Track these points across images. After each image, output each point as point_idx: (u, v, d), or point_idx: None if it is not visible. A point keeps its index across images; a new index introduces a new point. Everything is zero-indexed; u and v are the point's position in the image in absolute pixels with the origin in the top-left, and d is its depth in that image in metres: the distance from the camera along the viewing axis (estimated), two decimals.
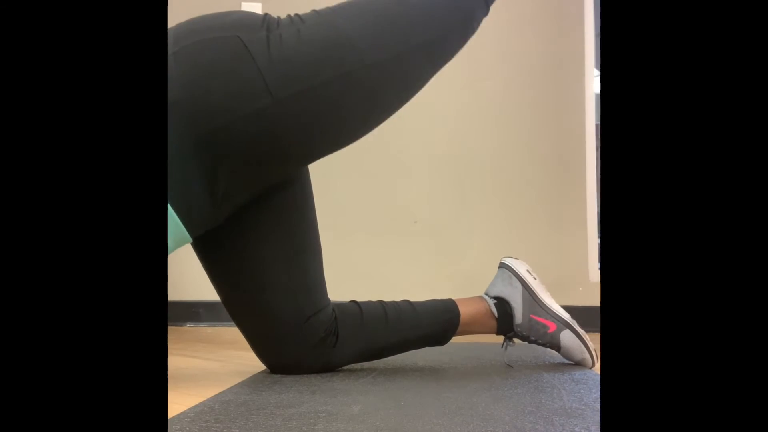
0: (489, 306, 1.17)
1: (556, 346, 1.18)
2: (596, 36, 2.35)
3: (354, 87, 0.94)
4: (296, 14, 0.97)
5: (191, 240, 0.96)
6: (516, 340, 1.21)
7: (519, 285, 1.18)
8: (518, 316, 1.16)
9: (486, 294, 1.20)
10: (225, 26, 0.93)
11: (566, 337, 1.17)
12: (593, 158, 2.27)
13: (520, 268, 1.20)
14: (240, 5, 2.26)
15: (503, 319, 1.16)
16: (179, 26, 0.95)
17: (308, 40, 0.93)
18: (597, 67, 2.42)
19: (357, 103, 0.96)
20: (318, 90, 0.92)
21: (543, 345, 1.18)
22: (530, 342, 1.17)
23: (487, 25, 2.59)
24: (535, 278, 1.20)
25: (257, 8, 2.25)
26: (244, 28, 0.93)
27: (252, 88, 0.89)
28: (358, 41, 0.94)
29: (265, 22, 0.95)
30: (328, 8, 0.98)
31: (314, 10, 0.98)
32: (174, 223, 0.89)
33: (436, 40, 1.00)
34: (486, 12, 1.07)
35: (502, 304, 1.17)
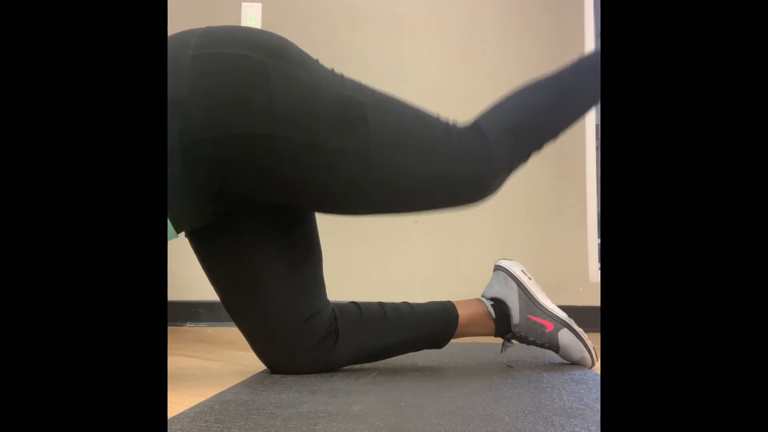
0: (486, 307, 1.17)
1: (555, 346, 1.17)
2: (596, 36, 2.35)
3: (347, 171, 0.93)
4: (341, 73, 0.97)
5: (177, 235, 0.96)
6: (515, 341, 1.21)
7: (515, 285, 1.18)
8: (515, 317, 1.16)
9: (483, 296, 1.20)
10: (254, 46, 0.92)
11: (564, 337, 1.17)
12: (593, 158, 2.27)
13: (515, 268, 1.20)
14: (240, 4, 2.26)
15: (501, 321, 1.16)
16: (209, 30, 0.95)
17: (330, 102, 0.92)
18: None
19: (345, 185, 0.95)
20: (314, 150, 0.91)
21: (541, 346, 1.18)
22: (528, 343, 1.17)
23: (487, 24, 2.59)
24: (530, 278, 1.20)
25: (257, 8, 2.25)
26: (274, 54, 0.92)
27: (256, 113, 0.89)
28: (372, 137, 0.93)
29: (302, 58, 0.95)
30: (372, 89, 0.97)
31: (360, 83, 0.98)
32: None
33: (445, 181, 0.98)
34: (507, 175, 1.05)
35: (499, 305, 1.17)
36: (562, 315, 1.19)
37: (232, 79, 0.90)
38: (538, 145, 1.07)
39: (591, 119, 2.28)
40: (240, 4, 2.26)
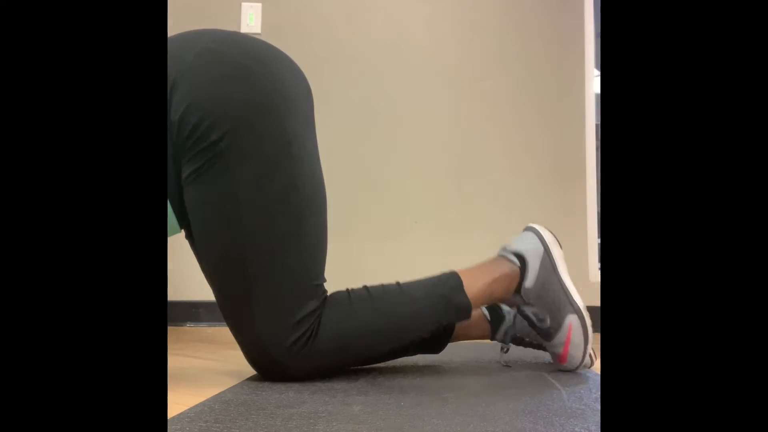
0: (481, 310, 1.17)
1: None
2: (596, 36, 2.35)
3: (229, 233, 0.91)
4: (317, 177, 0.97)
5: (179, 230, 0.96)
6: (512, 344, 1.21)
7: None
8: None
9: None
10: (266, 64, 0.94)
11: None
12: (593, 158, 2.27)
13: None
14: (240, 4, 2.26)
15: (495, 323, 1.17)
16: (235, 33, 0.97)
17: (282, 179, 0.91)
18: (597, 67, 2.42)
19: (222, 238, 0.92)
20: (234, 185, 0.90)
21: (536, 347, 1.18)
22: (525, 345, 1.18)
23: (487, 25, 2.59)
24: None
25: (257, 8, 2.25)
26: (286, 100, 0.94)
27: (231, 127, 0.89)
28: (254, 235, 0.90)
29: (305, 106, 0.96)
30: (316, 211, 0.96)
31: (319, 193, 0.97)
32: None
33: (257, 334, 0.93)
34: (315, 375, 0.99)
35: (494, 310, 1.17)
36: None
37: (232, 83, 0.90)
38: (360, 364, 1.05)
39: (591, 119, 2.29)
40: (240, 4, 2.26)
